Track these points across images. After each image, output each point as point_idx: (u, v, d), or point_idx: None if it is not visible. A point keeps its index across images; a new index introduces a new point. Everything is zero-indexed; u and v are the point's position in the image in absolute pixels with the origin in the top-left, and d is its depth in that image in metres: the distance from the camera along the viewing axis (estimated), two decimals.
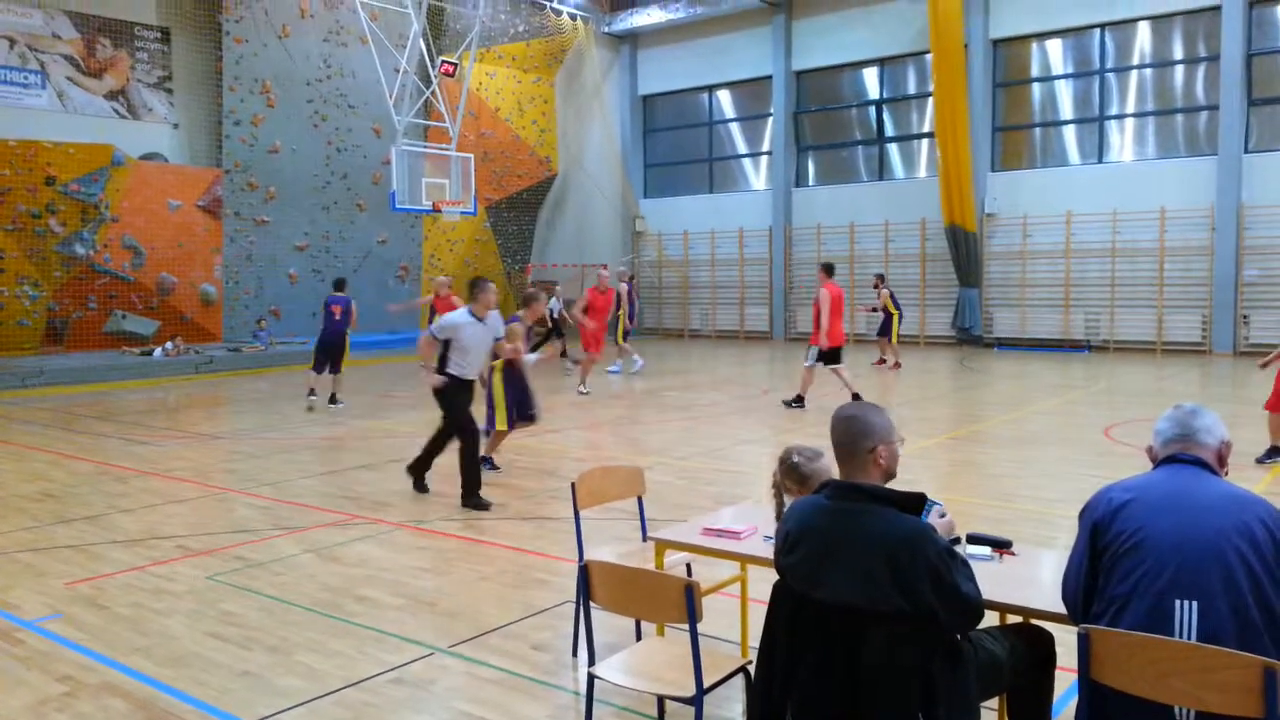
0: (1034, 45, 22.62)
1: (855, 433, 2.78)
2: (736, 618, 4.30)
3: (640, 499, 4.60)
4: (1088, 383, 15.47)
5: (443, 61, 19.88)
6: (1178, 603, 2.40)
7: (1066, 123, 22.39)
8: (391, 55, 19.46)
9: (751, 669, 2.95)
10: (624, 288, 18.57)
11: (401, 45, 20.02)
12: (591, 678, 3.27)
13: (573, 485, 4.26)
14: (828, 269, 12.90)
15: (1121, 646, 2.38)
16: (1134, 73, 21.44)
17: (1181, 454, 2.68)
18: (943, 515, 2.93)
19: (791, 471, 3.44)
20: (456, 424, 7.54)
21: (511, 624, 4.82)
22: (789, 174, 25.98)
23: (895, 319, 18.34)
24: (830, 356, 12.44)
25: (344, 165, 23.17)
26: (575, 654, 4.37)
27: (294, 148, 22.13)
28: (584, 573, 3.26)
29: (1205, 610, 2.36)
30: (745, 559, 3.72)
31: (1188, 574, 2.40)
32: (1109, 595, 2.52)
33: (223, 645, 4.57)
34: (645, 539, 4.44)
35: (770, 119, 26.38)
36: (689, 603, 2.89)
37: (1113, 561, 2.53)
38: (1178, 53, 20.99)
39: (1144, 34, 21.26)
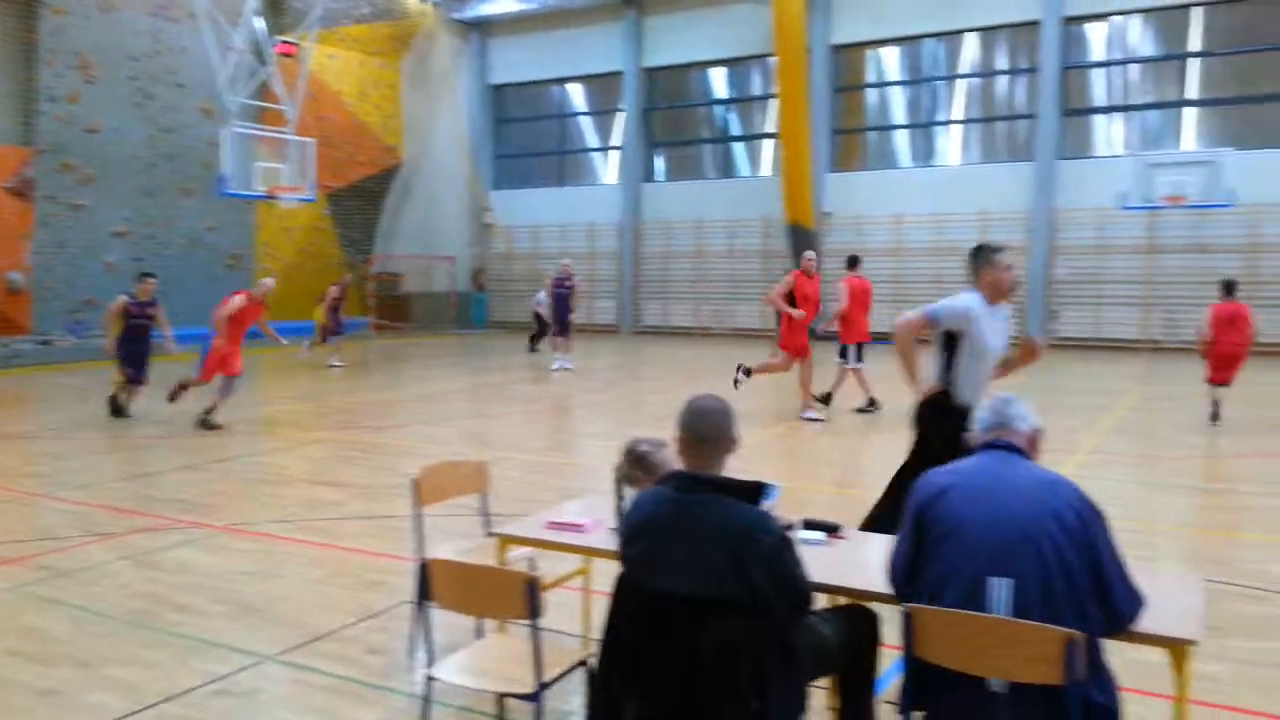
0: (871, 52, 23.63)
1: (721, 424, 2.80)
2: (580, 611, 4.28)
3: (484, 494, 4.51)
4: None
5: (281, 41, 18.99)
6: (992, 581, 2.52)
7: (898, 127, 23.50)
8: (225, 32, 18.45)
9: (593, 662, 2.93)
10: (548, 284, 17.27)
11: (236, 21, 19.01)
12: (429, 679, 3.17)
13: (414, 481, 4.13)
14: (851, 261, 12.23)
15: (941, 623, 2.49)
16: (961, 81, 22.71)
17: (997, 440, 2.84)
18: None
19: (640, 461, 3.44)
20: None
21: (346, 628, 4.63)
22: (639, 169, 26.20)
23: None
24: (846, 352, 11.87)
25: (171, 147, 21.81)
26: (413, 656, 4.25)
27: (116, 127, 20.67)
28: (423, 571, 3.16)
29: (1017, 588, 2.50)
30: (589, 552, 3.70)
31: (1002, 555, 2.53)
32: (930, 576, 2.63)
33: (24, 663, 4.20)
34: (488, 535, 4.35)
35: (621, 114, 26.53)
36: (530, 598, 2.84)
37: (934, 544, 2.65)
38: (1001, 63, 22.36)
39: (971, 45, 22.54)
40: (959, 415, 4.60)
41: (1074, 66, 21.43)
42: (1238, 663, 4.22)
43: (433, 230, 28.63)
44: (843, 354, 11.89)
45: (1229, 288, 10.95)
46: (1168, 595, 2.83)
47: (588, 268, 26.69)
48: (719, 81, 25.59)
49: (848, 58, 23.84)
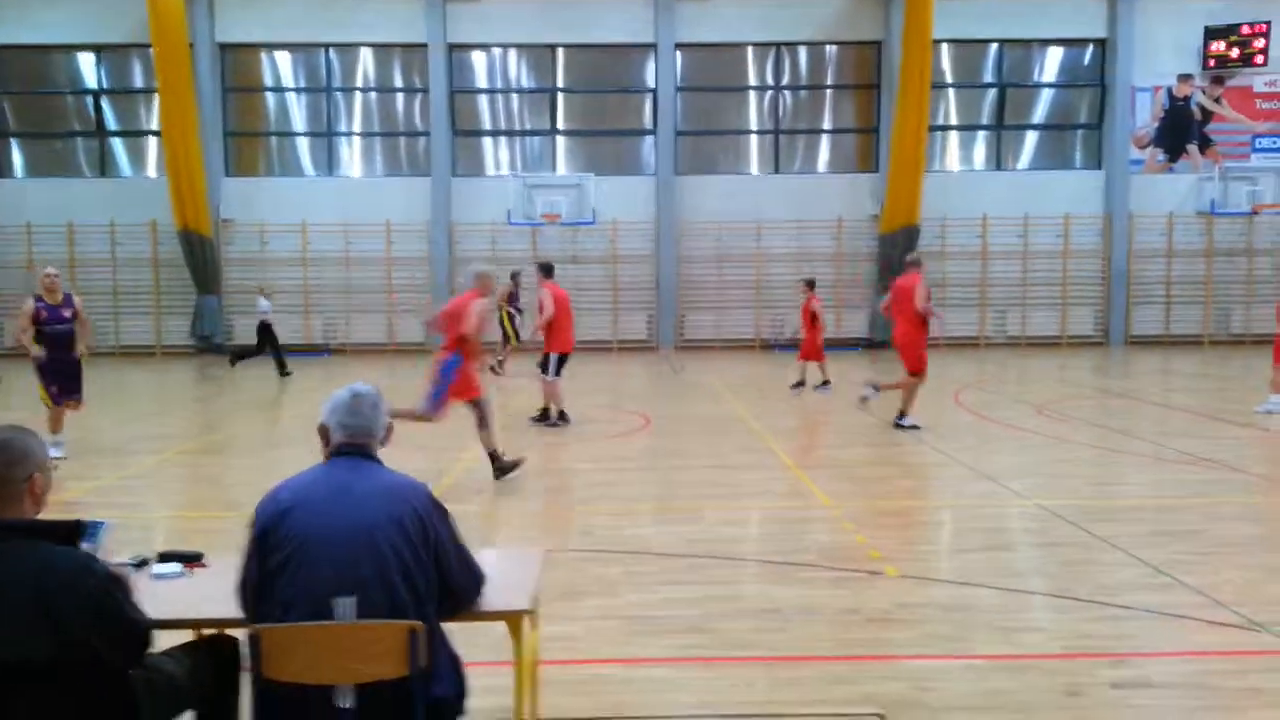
0: (264, 55, 22.79)
1: (9, 460, 2.39)
2: None
3: None
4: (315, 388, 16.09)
5: None
6: (337, 600, 2.52)
7: (299, 134, 23.03)
8: None
9: None
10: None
11: None
12: None
13: None
14: (547, 270, 11.41)
15: (287, 639, 2.44)
16: (359, 94, 22.99)
17: (348, 444, 2.81)
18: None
19: None
20: None
21: None
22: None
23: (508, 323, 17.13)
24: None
25: None
26: None
27: None
28: None
29: (362, 602, 2.51)
30: None
31: (346, 570, 2.53)
32: (278, 598, 2.55)
33: None
34: None
35: None
36: None
37: (279, 565, 2.56)
38: (397, 80, 23.10)
39: (367, 59, 22.92)
40: None
41: (461, 91, 22.99)
42: (591, 619, 4.85)
43: None
44: (544, 366, 11.16)
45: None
46: (507, 573, 3.13)
47: None
48: (88, 69, 22.63)
49: (238, 58, 22.72)
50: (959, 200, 22.48)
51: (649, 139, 23.11)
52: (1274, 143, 22.76)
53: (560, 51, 23.02)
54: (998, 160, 23.17)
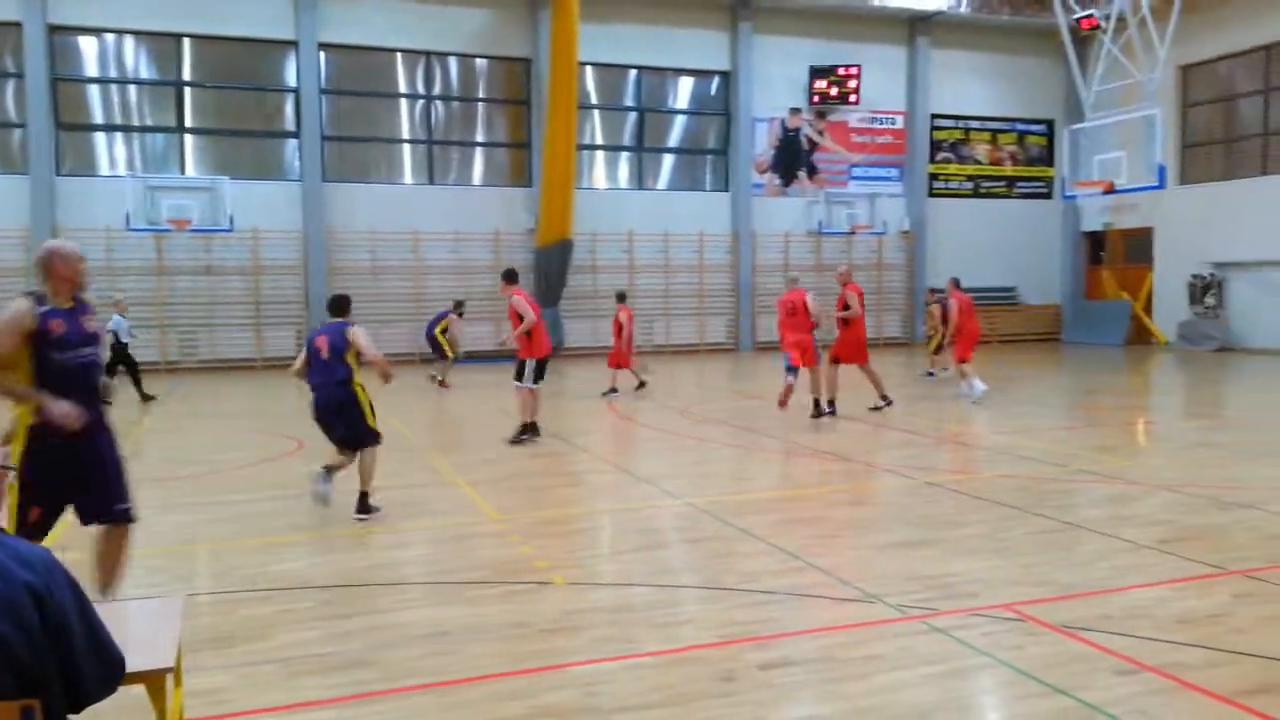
0: None
1: None
2: None
3: None
4: None
5: None
6: None
7: None
8: None
9: None
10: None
11: None
12: None
13: None
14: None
15: None
16: None
17: None
18: None
19: None
20: None
21: None
22: None
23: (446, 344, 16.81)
24: None
25: None
26: None
27: None
28: None
29: None
30: None
31: None
32: None
33: None
34: None
35: None
36: None
37: None
38: None
39: None
40: None
41: (66, 79, 20.33)
42: (243, 666, 4.44)
43: None
44: (521, 373, 10.45)
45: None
46: (142, 628, 2.77)
47: None
48: None
49: None
50: (608, 216, 23.58)
51: (292, 142, 21.86)
52: (866, 172, 26.25)
53: (187, 42, 21.10)
54: (640, 180, 24.60)
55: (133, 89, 21.02)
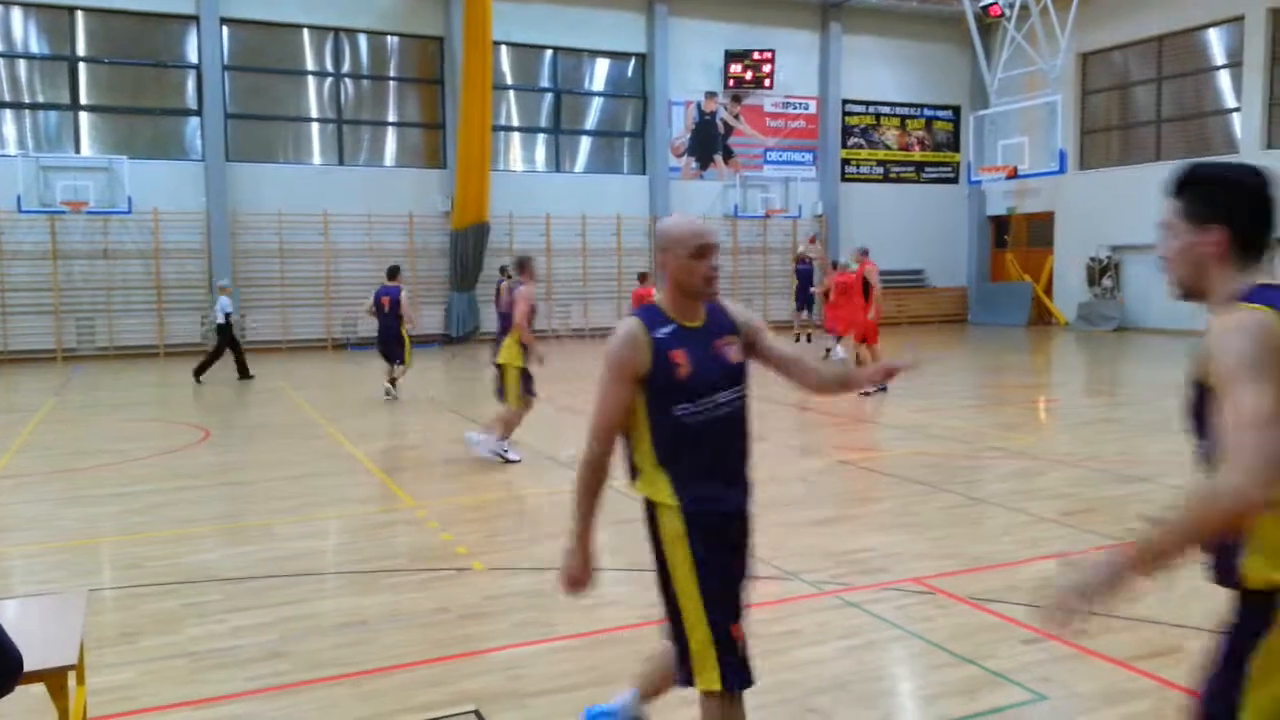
0: None
1: None
2: None
3: None
4: None
5: None
6: None
7: None
8: None
9: None
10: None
11: None
12: None
13: None
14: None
15: None
16: None
17: None
18: None
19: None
20: None
21: None
22: None
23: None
24: None
25: None
26: None
27: None
28: None
29: None
30: None
31: None
32: None
33: None
34: None
35: None
36: None
37: None
38: None
39: None
40: None
41: None
42: (150, 661, 4.30)
43: None
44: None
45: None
46: (42, 625, 2.66)
47: None
48: None
49: None
50: (524, 199, 23.35)
51: (194, 120, 21.07)
52: (780, 156, 26.54)
53: (80, 15, 20.12)
54: (557, 162, 24.42)
55: (22, 64, 19.97)
